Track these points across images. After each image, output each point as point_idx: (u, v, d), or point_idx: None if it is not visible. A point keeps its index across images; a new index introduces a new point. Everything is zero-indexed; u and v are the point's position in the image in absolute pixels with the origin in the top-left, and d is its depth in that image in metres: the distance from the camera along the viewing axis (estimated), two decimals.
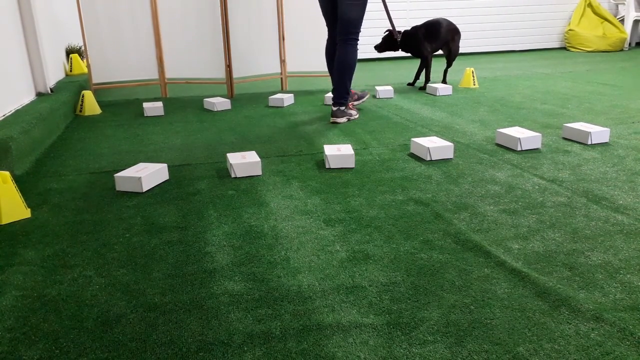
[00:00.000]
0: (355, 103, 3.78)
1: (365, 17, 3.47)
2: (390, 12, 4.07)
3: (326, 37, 3.61)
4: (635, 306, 1.34)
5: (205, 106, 4.12)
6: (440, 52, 4.80)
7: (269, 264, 1.61)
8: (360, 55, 6.87)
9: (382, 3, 3.79)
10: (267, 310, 1.37)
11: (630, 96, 4.07)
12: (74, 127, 3.57)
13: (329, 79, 3.71)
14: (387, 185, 2.27)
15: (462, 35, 7.29)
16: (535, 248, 1.66)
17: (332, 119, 3.46)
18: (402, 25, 7.00)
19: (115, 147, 3.03)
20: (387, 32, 4.61)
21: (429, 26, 4.60)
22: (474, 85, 4.72)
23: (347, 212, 1.98)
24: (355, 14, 3.33)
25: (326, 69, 3.71)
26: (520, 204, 2.02)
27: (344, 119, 3.46)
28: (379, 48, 4.69)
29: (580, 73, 5.36)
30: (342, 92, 3.43)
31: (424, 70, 4.76)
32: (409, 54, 4.75)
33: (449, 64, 4.77)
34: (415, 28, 4.59)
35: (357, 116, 3.57)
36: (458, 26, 4.77)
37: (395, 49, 4.66)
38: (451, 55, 4.72)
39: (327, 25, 3.52)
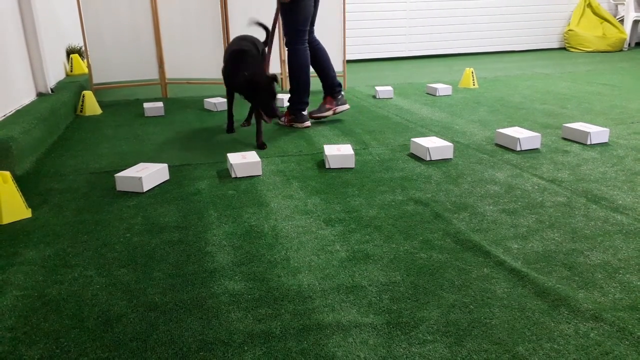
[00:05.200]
0: (316, 115, 3.55)
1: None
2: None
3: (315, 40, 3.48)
4: (634, 306, 1.34)
5: (206, 106, 4.12)
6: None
7: (269, 264, 1.61)
8: (360, 55, 6.93)
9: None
10: (267, 310, 1.37)
11: (630, 96, 4.07)
12: (75, 127, 3.57)
13: None
14: (387, 185, 2.27)
15: (463, 35, 7.36)
16: (534, 248, 1.66)
17: (344, 106, 3.53)
18: (402, 26, 7.04)
19: (116, 147, 3.04)
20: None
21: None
22: (474, 85, 4.72)
23: (347, 212, 1.99)
24: None
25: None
26: (519, 204, 2.02)
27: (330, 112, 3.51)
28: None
29: (579, 73, 5.37)
30: (336, 81, 3.51)
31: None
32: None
33: None
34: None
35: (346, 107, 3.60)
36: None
37: None
38: None
39: (305, 31, 3.31)
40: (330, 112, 3.49)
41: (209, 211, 2.04)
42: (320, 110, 3.48)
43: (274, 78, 2.88)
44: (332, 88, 3.49)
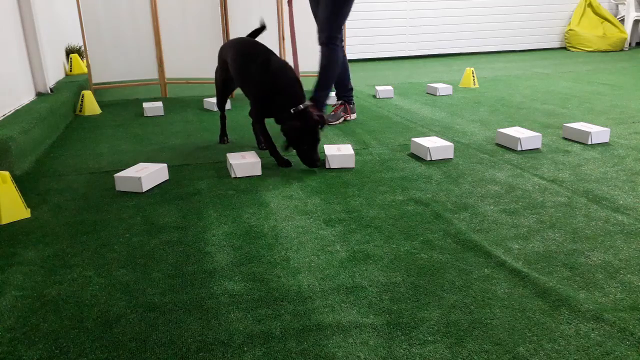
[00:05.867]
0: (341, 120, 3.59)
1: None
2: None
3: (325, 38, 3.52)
4: (635, 306, 1.33)
5: (205, 106, 4.12)
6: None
7: (269, 264, 1.61)
8: (360, 55, 6.93)
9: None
10: (267, 310, 1.37)
11: (630, 96, 4.06)
12: (74, 127, 3.57)
13: None
14: (387, 185, 2.27)
15: (463, 35, 7.35)
16: (535, 248, 1.66)
17: (354, 115, 3.58)
18: (402, 26, 7.04)
19: (115, 147, 3.03)
20: None
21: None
22: (474, 85, 4.72)
23: (347, 212, 1.98)
24: None
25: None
26: (520, 204, 2.02)
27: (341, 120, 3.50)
28: None
29: (580, 73, 5.36)
30: (348, 87, 3.55)
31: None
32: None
33: None
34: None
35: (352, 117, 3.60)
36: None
37: None
38: None
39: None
40: (341, 120, 3.51)
41: (208, 211, 2.04)
42: (337, 116, 3.49)
43: (322, 120, 2.52)
44: (349, 95, 3.54)
